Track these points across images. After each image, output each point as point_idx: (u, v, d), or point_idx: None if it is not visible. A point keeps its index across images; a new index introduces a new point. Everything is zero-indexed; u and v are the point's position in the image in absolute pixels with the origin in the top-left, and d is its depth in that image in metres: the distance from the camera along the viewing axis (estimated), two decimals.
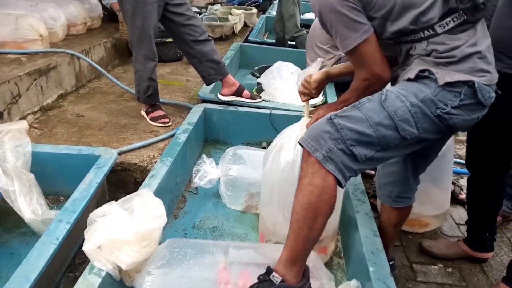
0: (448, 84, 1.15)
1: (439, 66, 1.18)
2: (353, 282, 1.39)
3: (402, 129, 1.14)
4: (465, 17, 1.15)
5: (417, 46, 1.22)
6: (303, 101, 1.61)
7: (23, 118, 2.40)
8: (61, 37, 3.19)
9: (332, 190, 1.14)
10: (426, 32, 1.19)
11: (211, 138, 2.65)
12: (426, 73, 1.18)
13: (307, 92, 1.57)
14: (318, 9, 1.25)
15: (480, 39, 1.19)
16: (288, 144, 1.53)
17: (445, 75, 1.15)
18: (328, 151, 1.13)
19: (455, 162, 2.52)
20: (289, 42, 4.39)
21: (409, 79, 1.21)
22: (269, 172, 1.60)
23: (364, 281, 1.39)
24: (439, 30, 1.18)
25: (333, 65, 3.13)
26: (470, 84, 1.15)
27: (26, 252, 1.32)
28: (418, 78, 1.19)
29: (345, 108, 1.21)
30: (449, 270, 1.88)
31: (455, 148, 2.56)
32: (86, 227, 1.34)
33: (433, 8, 1.17)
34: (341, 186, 1.17)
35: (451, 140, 1.99)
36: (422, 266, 1.89)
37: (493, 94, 1.22)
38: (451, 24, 1.17)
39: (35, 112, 2.52)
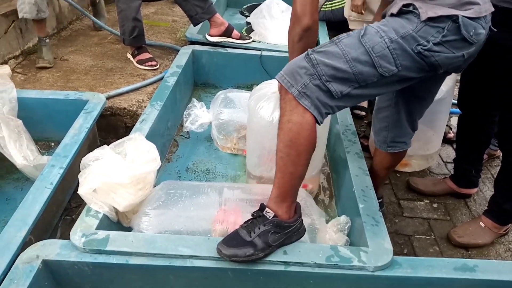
0: (431, 19, 1.10)
1: (424, 0, 1.13)
2: (343, 218, 1.45)
3: (380, 65, 1.11)
4: None
5: None
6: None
7: (4, 63, 2.32)
8: None
9: (311, 126, 1.13)
10: None
11: (201, 82, 2.61)
12: (410, 8, 1.13)
13: None
14: None
15: None
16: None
17: (428, 10, 1.11)
18: (303, 87, 1.11)
19: None
20: None
21: (392, 14, 1.17)
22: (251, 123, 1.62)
23: (353, 217, 1.44)
24: None
25: (325, 2, 3.03)
26: (454, 19, 1.11)
27: (21, 197, 1.33)
28: (401, 13, 1.15)
29: (323, 43, 1.19)
30: (435, 205, 1.96)
31: None
32: (79, 171, 1.35)
33: None
34: (318, 123, 1.16)
35: (452, 82, 1.97)
36: (409, 202, 1.97)
37: (481, 31, 1.17)
38: None
39: (17, 57, 2.42)
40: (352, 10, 2.34)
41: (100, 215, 1.28)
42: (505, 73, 1.52)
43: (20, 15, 2.24)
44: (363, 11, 2.27)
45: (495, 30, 1.24)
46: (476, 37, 1.16)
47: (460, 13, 1.11)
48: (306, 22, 1.22)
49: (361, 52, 1.12)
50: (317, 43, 2.81)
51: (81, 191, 1.29)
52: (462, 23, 1.11)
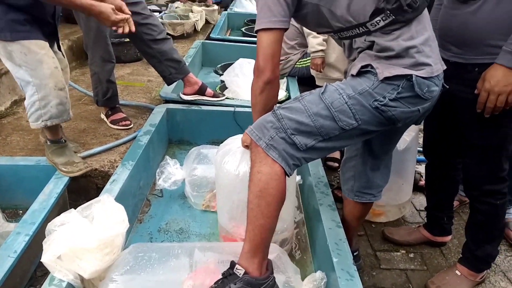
0: (387, 78, 1.19)
1: (380, 61, 1.21)
2: (318, 274, 1.42)
3: (339, 119, 1.19)
4: (394, 17, 1.19)
5: (357, 40, 1.27)
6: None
7: None
8: None
9: (280, 176, 1.17)
10: (360, 29, 1.23)
11: (176, 139, 2.63)
12: (369, 68, 1.22)
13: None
14: None
15: (417, 33, 1.22)
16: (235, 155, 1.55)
17: (384, 70, 1.19)
18: (270, 139, 1.18)
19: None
20: None
21: (352, 75, 1.25)
22: (219, 178, 1.63)
23: (328, 272, 1.42)
24: (371, 28, 1.22)
25: (299, 60, 3.17)
26: (408, 78, 1.19)
27: None
28: (360, 74, 1.23)
29: (289, 100, 1.27)
30: (411, 255, 1.95)
31: None
32: None
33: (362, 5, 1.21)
34: (287, 174, 1.20)
35: (416, 131, 2.05)
36: (385, 253, 1.96)
37: (434, 88, 1.25)
38: (381, 23, 1.20)
39: None
40: (311, 68, 2.48)
41: (64, 284, 1.23)
42: (461, 122, 1.59)
43: (40, 124, 1.78)
44: (321, 70, 2.40)
45: (447, 87, 1.32)
46: (430, 94, 1.24)
47: (413, 72, 1.19)
48: (268, 76, 1.27)
49: (321, 108, 1.19)
50: (288, 97, 2.91)
51: (44, 259, 1.24)
52: (416, 81, 1.19)
